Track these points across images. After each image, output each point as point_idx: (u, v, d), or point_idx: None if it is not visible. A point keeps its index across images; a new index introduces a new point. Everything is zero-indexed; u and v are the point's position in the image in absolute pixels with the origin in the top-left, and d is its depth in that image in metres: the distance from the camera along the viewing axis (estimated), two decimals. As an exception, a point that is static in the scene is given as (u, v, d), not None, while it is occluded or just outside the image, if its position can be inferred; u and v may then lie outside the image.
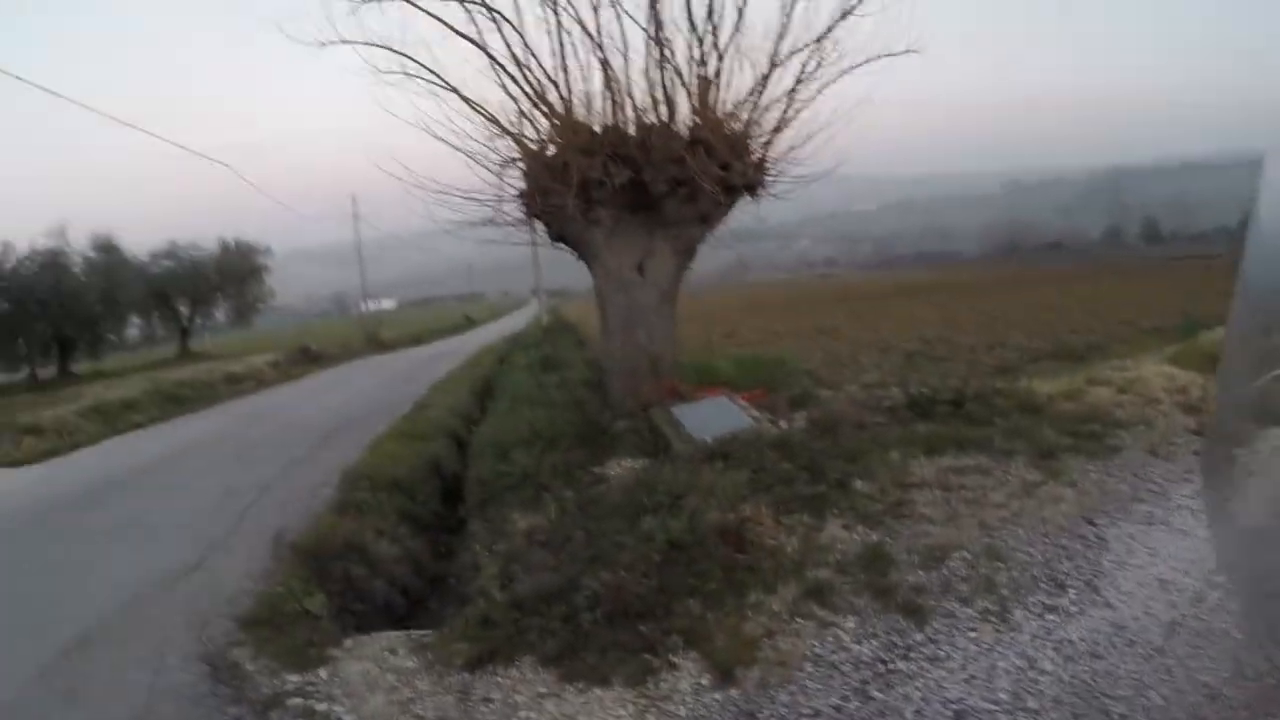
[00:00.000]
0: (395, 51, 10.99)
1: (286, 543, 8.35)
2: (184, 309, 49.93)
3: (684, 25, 10.56)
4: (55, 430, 20.12)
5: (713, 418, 9.29)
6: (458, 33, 10.94)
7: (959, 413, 9.12)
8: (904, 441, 8.11)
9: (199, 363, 39.52)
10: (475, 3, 10.76)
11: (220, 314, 53.97)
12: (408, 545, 8.95)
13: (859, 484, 7.21)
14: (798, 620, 5.28)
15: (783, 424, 9.37)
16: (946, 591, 5.42)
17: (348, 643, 5.95)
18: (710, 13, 10.39)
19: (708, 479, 7.24)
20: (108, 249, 42.18)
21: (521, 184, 11.49)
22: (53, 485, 14.16)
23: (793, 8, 10.53)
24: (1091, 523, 6.32)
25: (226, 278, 50.19)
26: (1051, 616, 5.08)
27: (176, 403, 25.45)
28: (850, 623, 5.24)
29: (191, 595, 7.60)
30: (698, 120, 10.85)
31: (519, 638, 5.34)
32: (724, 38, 10.55)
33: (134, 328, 48.16)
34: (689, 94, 10.87)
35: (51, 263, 37.75)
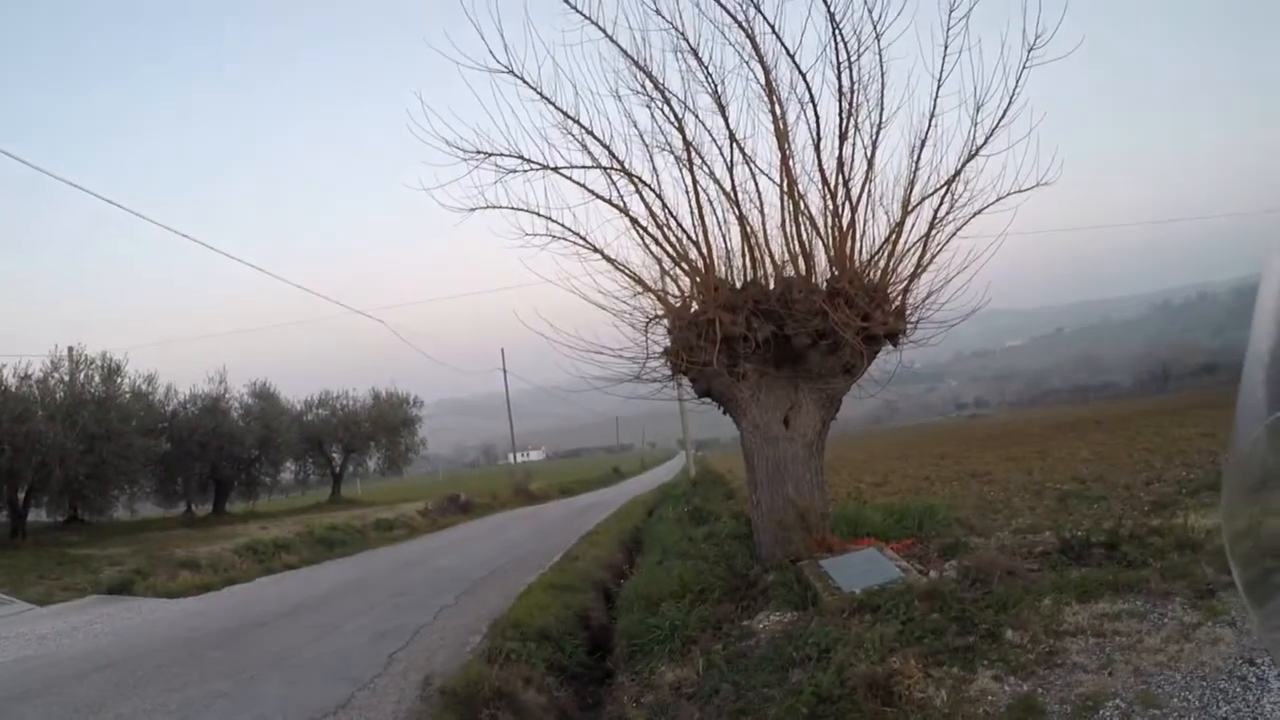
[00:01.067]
0: (540, 215, 11.49)
1: (435, 687, 8.53)
2: (337, 455, 51.41)
3: (816, 178, 10.80)
4: (210, 566, 21.15)
5: (862, 569, 9.21)
6: (599, 197, 11.43)
7: (1114, 554, 8.84)
8: (1057, 588, 7.89)
9: (351, 508, 40.73)
10: (615, 169, 11.26)
11: (372, 462, 55.30)
12: (555, 695, 9.02)
13: (1010, 633, 7.04)
14: (946, 775, 5.19)
15: (933, 574, 9.23)
16: (1098, 743, 5.25)
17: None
18: (840, 165, 10.58)
19: (856, 631, 7.19)
20: (265, 396, 44.00)
21: (666, 341, 11.74)
22: (207, 619, 14.73)
23: (920, 153, 10.64)
24: (1252, 663, 5.98)
25: (379, 427, 51.63)
26: (1206, 765, 4.88)
27: (328, 546, 26.32)
28: (999, 778, 5.12)
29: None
30: (836, 271, 10.96)
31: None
32: (855, 188, 10.70)
33: (288, 471, 49.41)
34: (825, 246, 11.03)
35: (211, 407, 39.49)
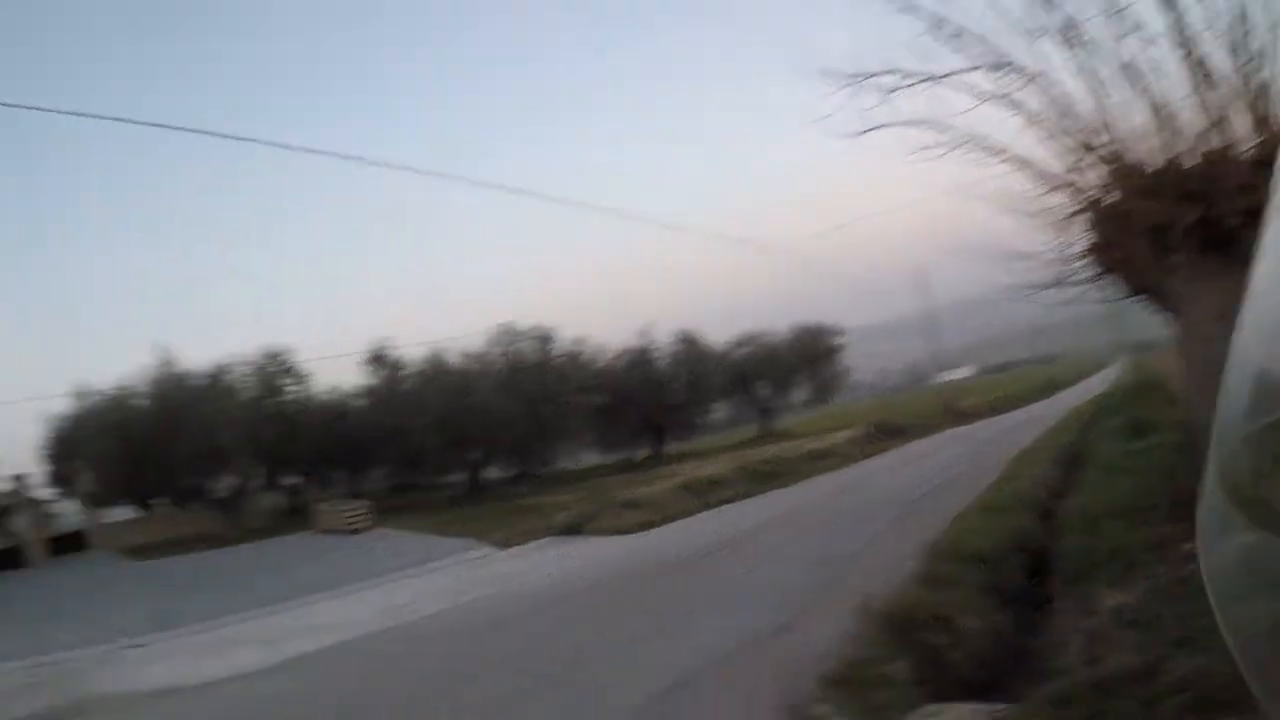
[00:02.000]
0: (930, 128, 11.04)
1: (872, 610, 8.53)
2: (763, 391, 52.66)
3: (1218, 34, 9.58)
4: (650, 505, 22.32)
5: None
6: (987, 97, 10.77)
7: None
8: None
9: (780, 441, 41.58)
10: (998, 65, 10.55)
11: (798, 394, 56.12)
12: (990, 619, 8.74)
13: None
14: None
15: None
16: None
17: (925, 710, 5.97)
18: (1244, 16, 9.30)
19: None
20: (689, 342, 46.00)
21: (1085, 239, 10.96)
22: (650, 554, 15.67)
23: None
24: None
25: (802, 359, 52.33)
26: None
27: (761, 479, 26.94)
28: None
29: (779, 654, 8.10)
30: (1259, 138, 9.73)
31: (1097, 719, 5.06)
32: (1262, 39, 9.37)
33: (717, 411, 51.53)
34: (1242, 111, 9.80)
35: (640, 358, 41.99)
